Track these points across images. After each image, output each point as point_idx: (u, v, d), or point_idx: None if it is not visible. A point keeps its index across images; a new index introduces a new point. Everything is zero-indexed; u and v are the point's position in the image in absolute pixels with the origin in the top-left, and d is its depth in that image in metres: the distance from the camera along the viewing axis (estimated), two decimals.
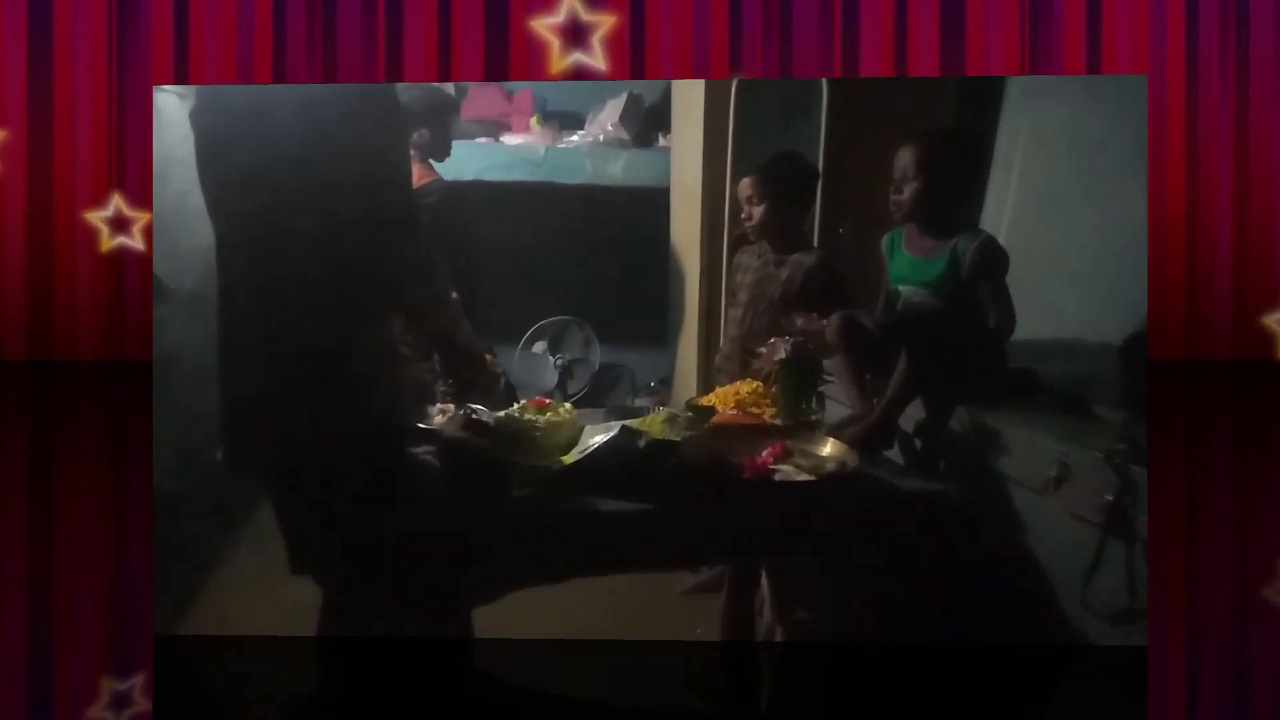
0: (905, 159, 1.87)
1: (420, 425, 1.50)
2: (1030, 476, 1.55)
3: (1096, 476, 1.41)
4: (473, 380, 1.51)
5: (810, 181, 2.26)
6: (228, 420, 1.35)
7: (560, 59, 4.02)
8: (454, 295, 1.35)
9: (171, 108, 2.62)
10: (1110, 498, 1.38)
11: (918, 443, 1.88)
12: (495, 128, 4.06)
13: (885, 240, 2.03)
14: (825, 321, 1.88)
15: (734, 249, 2.59)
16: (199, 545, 2.54)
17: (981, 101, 2.65)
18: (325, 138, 1.22)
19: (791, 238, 2.26)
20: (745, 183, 2.24)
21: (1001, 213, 2.67)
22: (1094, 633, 1.43)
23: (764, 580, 2.25)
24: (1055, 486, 1.48)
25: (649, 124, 3.99)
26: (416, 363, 1.47)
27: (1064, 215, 2.52)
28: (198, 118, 1.31)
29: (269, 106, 1.28)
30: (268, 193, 1.24)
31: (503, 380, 4.18)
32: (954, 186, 1.87)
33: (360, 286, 1.26)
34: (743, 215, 2.31)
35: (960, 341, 1.78)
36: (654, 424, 1.63)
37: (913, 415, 1.84)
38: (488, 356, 4.17)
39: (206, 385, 2.46)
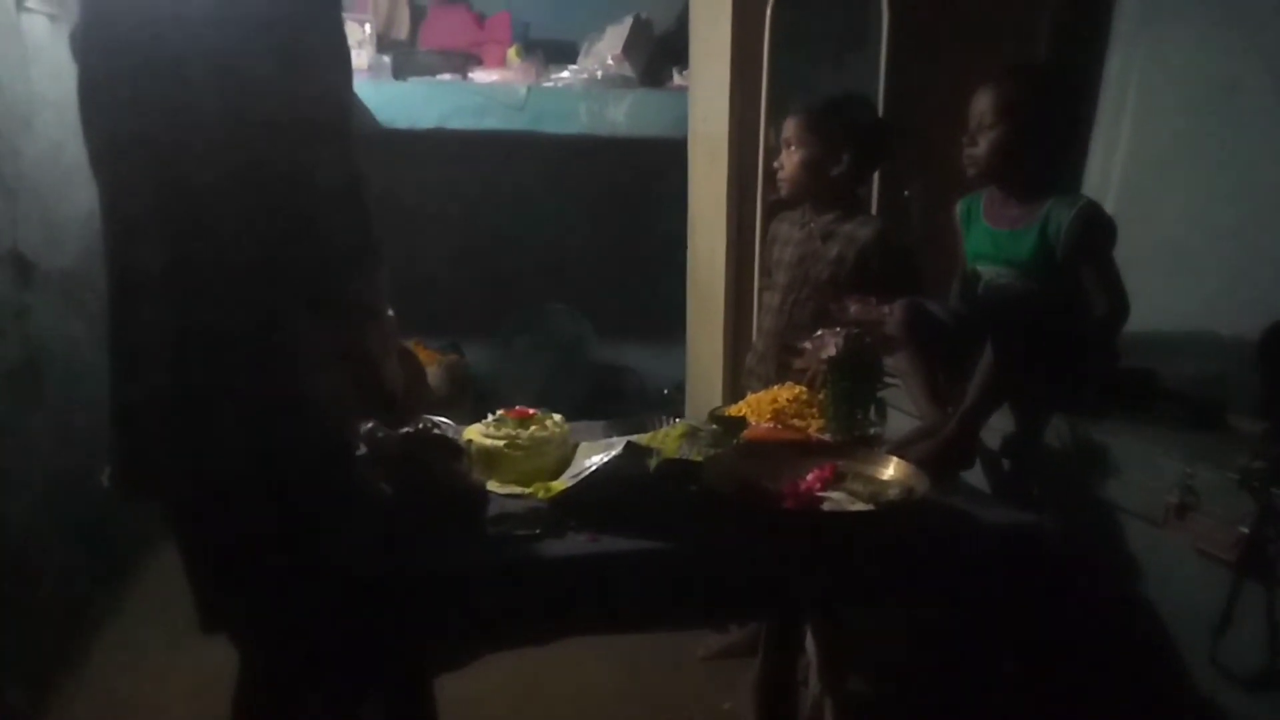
0: (983, 101, 1.81)
1: (367, 442, 1.46)
2: (1146, 504, 1.50)
3: (1229, 503, 1.35)
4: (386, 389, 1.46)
5: (876, 137, 2.21)
6: (118, 433, 1.31)
7: None
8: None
9: (41, 33, 2.60)
10: (1246, 530, 1.32)
11: (1005, 463, 1.85)
12: (462, 60, 4.05)
13: (959, 208, 2.00)
14: (887, 309, 1.85)
15: (769, 215, 2.54)
16: (74, 597, 2.50)
17: (1087, 25, 2.61)
18: (247, 53, 1.17)
19: (840, 201, 2.22)
20: (790, 121, 2.19)
21: (1109, 171, 2.63)
22: (1227, 702, 1.38)
23: (809, 641, 2.18)
24: (1178, 516, 1.44)
25: (660, 56, 3.97)
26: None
27: (1189, 173, 2.50)
28: (82, 41, 1.26)
29: (173, 31, 1.23)
30: (170, 140, 1.20)
31: (472, 385, 4.12)
32: (1047, 136, 1.82)
33: (288, 261, 1.21)
34: (775, 164, 2.25)
35: (1057, 335, 1.73)
36: (668, 440, 1.59)
37: (998, 428, 1.81)
38: (453, 356, 4.13)
39: (89, 390, 2.43)
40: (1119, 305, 1.75)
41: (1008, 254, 1.85)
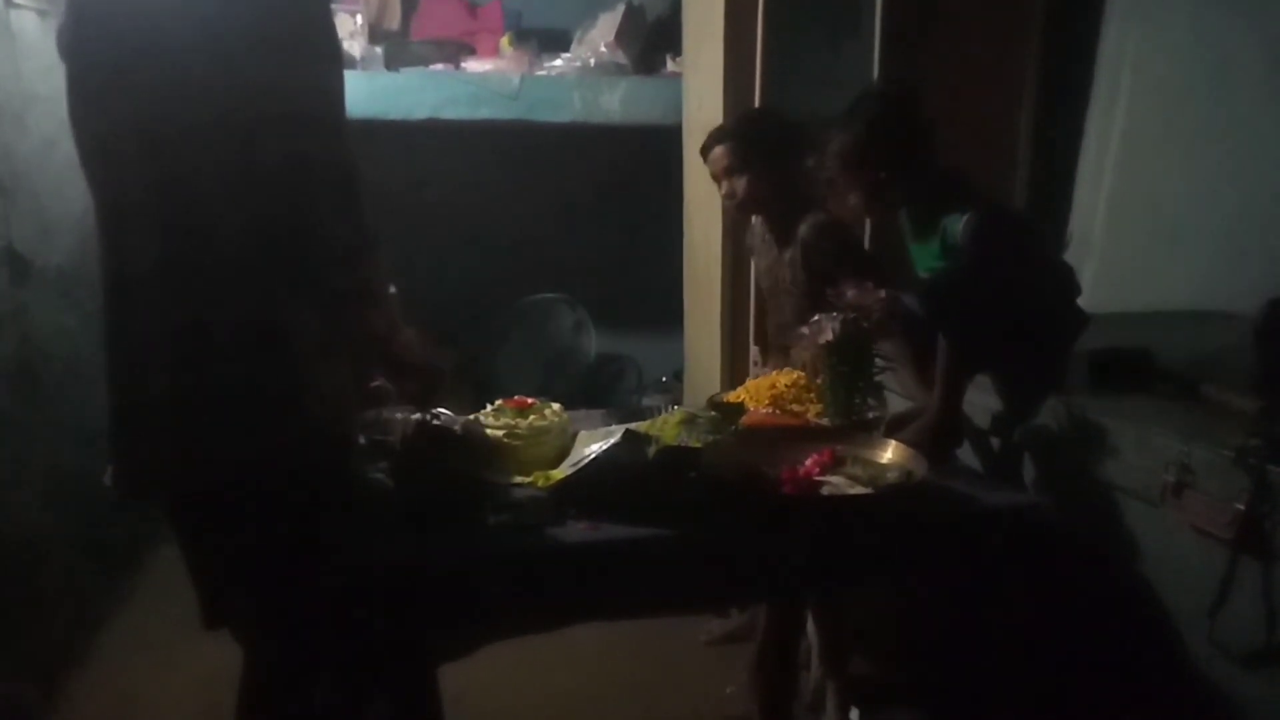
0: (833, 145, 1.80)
1: (366, 436, 1.46)
2: (1143, 483, 1.51)
3: (1225, 481, 1.36)
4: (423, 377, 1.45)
5: (793, 139, 2.12)
6: (118, 433, 1.30)
7: None
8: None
9: (31, 29, 2.58)
10: (1242, 507, 1.32)
11: (996, 442, 1.84)
12: (455, 50, 4.02)
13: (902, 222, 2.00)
14: (883, 292, 1.84)
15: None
16: (78, 594, 2.49)
17: (1081, 4, 2.60)
18: (236, 44, 1.16)
19: (787, 207, 2.14)
20: (719, 151, 2.15)
21: (1105, 149, 2.62)
22: (1223, 677, 1.39)
23: (810, 624, 2.19)
24: (1174, 494, 1.44)
25: (653, 43, 3.95)
26: (360, 354, 1.42)
27: (1184, 152, 2.48)
28: (70, 37, 1.24)
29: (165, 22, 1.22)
30: (161, 136, 1.18)
31: (469, 376, 4.08)
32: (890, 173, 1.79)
33: (285, 256, 1.21)
34: (723, 192, 2.22)
35: (991, 313, 1.69)
36: (667, 427, 1.59)
37: (989, 409, 1.82)
38: (450, 347, 4.09)
39: (87, 387, 2.42)
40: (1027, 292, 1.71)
41: (926, 266, 1.86)
